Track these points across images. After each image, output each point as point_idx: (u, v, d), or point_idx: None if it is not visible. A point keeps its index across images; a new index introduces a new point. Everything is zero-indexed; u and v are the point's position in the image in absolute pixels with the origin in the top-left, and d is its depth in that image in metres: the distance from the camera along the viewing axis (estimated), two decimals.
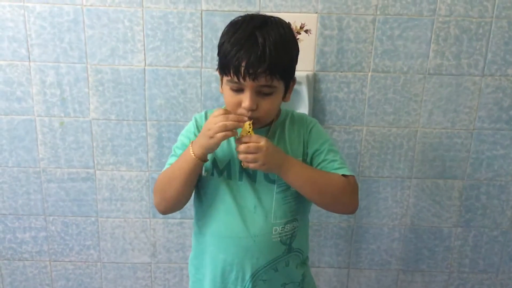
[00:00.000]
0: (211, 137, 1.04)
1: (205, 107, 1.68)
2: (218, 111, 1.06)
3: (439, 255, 1.86)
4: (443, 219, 1.81)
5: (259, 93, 1.07)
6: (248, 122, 1.07)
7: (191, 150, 1.09)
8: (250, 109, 1.06)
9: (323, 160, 1.16)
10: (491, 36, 1.61)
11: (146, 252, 1.86)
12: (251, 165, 1.05)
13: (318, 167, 1.17)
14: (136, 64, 1.64)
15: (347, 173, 1.15)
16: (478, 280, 1.89)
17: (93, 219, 1.81)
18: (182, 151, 1.17)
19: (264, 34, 1.03)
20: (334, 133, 1.70)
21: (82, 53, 1.63)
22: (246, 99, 1.06)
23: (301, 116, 1.24)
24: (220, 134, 1.03)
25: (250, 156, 1.04)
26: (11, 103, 1.67)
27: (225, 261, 1.17)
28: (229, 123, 1.03)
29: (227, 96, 1.10)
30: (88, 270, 1.88)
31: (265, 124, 1.16)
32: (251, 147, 1.03)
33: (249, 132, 1.06)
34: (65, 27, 1.60)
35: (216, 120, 1.04)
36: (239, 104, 1.08)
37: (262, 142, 1.05)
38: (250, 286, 1.18)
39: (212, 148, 1.08)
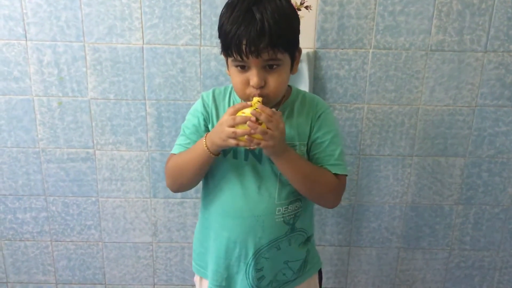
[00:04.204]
0: (224, 140, 1.04)
1: (205, 85, 1.66)
2: (229, 109, 1.05)
3: (440, 232, 1.86)
4: (444, 197, 1.81)
5: (265, 68, 1.06)
6: (257, 99, 1.05)
7: (205, 143, 1.09)
8: (259, 86, 1.05)
9: (322, 151, 1.16)
10: (494, 11, 1.58)
11: (147, 231, 1.86)
12: (263, 143, 1.02)
13: (315, 156, 1.17)
14: (134, 42, 1.62)
15: (340, 172, 1.15)
16: (479, 257, 1.90)
17: (93, 199, 1.81)
18: (190, 130, 1.19)
19: (261, 9, 1.01)
20: (335, 111, 1.69)
21: (79, 32, 1.61)
22: (253, 77, 1.05)
23: (313, 98, 1.21)
24: (232, 141, 1.03)
25: (269, 132, 1.01)
26: (8, 83, 1.66)
27: (228, 238, 1.18)
28: (238, 131, 1.01)
29: (234, 76, 1.09)
30: (90, 249, 1.89)
31: (274, 104, 1.15)
32: (273, 122, 1.02)
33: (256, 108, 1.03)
34: (61, 5, 1.58)
35: (228, 122, 1.02)
36: (247, 83, 1.07)
37: (282, 124, 1.05)
38: (253, 263, 1.18)
39: (225, 148, 1.09)
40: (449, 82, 1.66)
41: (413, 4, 1.57)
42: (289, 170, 1.11)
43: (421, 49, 1.62)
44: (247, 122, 1.00)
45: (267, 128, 1.01)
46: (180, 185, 1.22)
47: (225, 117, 1.04)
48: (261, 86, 1.05)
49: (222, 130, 1.03)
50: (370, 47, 1.62)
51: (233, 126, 1.02)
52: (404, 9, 1.58)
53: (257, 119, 1.00)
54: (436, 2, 1.57)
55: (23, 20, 1.59)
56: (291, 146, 1.13)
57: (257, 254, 1.18)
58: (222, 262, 1.21)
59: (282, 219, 1.17)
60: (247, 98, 1.09)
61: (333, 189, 1.15)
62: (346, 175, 1.19)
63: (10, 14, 1.58)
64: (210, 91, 1.21)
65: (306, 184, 1.13)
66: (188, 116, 1.22)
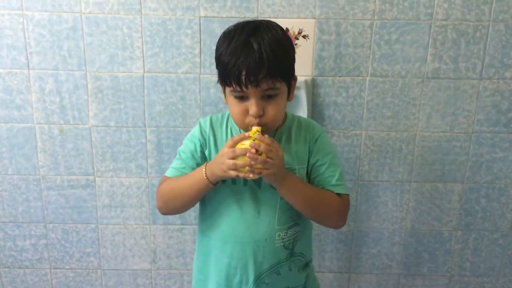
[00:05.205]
0: (224, 171, 1.05)
1: (204, 113, 1.68)
2: (229, 141, 1.06)
3: (440, 258, 1.86)
4: (443, 223, 1.81)
5: (264, 98, 1.07)
6: (256, 128, 1.06)
7: (205, 173, 1.10)
8: (258, 115, 1.07)
9: (322, 174, 1.18)
10: (489, 39, 1.61)
11: (146, 258, 1.86)
12: (265, 172, 1.03)
13: (316, 179, 1.18)
14: (135, 71, 1.64)
15: (342, 191, 1.17)
16: (479, 283, 1.89)
17: (93, 226, 1.81)
18: (186, 155, 1.20)
19: (258, 39, 1.04)
20: (333, 137, 1.70)
21: (81, 61, 1.63)
22: (252, 106, 1.06)
23: (309, 122, 1.24)
24: (233, 173, 1.04)
25: (270, 161, 1.02)
26: (10, 111, 1.68)
27: (229, 264, 1.18)
28: (239, 163, 1.02)
29: (233, 106, 1.11)
30: (89, 277, 1.88)
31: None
32: (273, 151, 1.03)
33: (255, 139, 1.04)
34: (64, 34, 1.61)
35: (228, 154, 1.04)
36: (246, 112, 1.08)
37: (280, 151, 1.06)
38: None
39: (225, 179, 1.11)
40: (445, 108, 1.68)
41: (408, 33, 1.60)
42: (292, 194, 1.12)
43: (417, 76, 1.65)
44: (247, 154, 1.01)
45: (267, 157, 1.02)
46: (172, 209, 1.24)
47: (225, 150, 1.05)
48: (260, 115, 1.07)
49: (222, 162, 1.04)
50: (367, 74, 1.65)
51: (233, 158, 1.03)
52: (400, 38, 1.61)
53: (256, 150, 1.01)
54: (431, 31, 1.60)
55: (26, 49, 1.62)
56: (291, 170, 1.14)
57: (257, 279, 1.18)
58: None
59: (282, 243, 1.18)
60: (246, 127, 1.10)
61: (338, 209, 1.17)
62: (348, 194, 1.20)
63: (13, 43, 1.61)
64: (208, 117, 1.23)
65: (311, 206, 1.14)
66: (185, 141, 1.23)
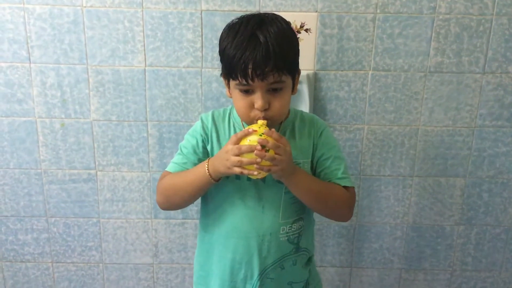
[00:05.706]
0: (228, 168, 1.04)
1: (206, 107, 1.68)
2: (232, 138, 1.05)
3: (442, 253, 1.85)
4: (445, 217, 1.81)
5: (269, 91, 1.07)
6: (261, 122, 1.05)
7: (207, 169, 1.09)
8: (263, 109, 1.06)
9: (328, 167, 1.18)
10: (492, 33, 1.60)
11: (148, 252, 1.86)
12: (273, 169, 1.02)
13: (322, 173, 1.18)
14: (137, 65, 1.64)
15: (348, 184, 1.17)
16: (481, 278, 1.89)
17: (94, 220, 1.81)
18: (188, 150, 1.19)
19: (264, 32, 1.03)
20: (335, 132, 1.70)
21: (83, 54, 1.63)
22: (258, 100, 1.06)
23: (312, 117, 1.23)
24: (237, 169, 1.02)
25: (278, 157, 1.01)
26: (12, 104, 1.67)
27: (233, 260, 1.18)
28: (245, 160, 1.01)
29: (238, 100, 1.10)
30: (90, 271, 1.88)
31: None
32: (281, 147, 1.02)
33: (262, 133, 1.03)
34: (65, 28, 1.60)
35: (233, 151, 1.02)
36: (251, 106, 1.08)
37: (288, 146, 1.05)
38: (258, 284, 1.18)
39: (228, 175, 1.10)
40: (448, 103, 1.67)
41: (411, 27, 1.59)
42: (301, 189, 1.11)
43: (420, 70, 1.64)
44: (255, 151, 0.99)
45: (275, 153, 1.01)
46: (172, 204, 1.22)
47: (229, 146, 1.03)
48: (265, 109, 1.06)
49: (227, 159, 1.03)
50: (370, 68, 1.64)
51: (238, 155, 1.01)
52: (402, 31, 1.60)
53: (263, 146, 1.00)
54: (434, 24, 1.59)
55: (27, 43, 1.61)
56: (295, 164, 1.14)
57: (262, 274, 1.18)
58: (227, 284, 1.20)
59: (287, 238, 1.18)
60: (251, 121, 1.09)
61: (345, 201, 1.17)
62: (354, 187, 1.20)
63: (14, 37, 1.61)
64: (210, 113, 1.22)
65: (320, 200, 1.14)
66: (186, 136, 1.22)
